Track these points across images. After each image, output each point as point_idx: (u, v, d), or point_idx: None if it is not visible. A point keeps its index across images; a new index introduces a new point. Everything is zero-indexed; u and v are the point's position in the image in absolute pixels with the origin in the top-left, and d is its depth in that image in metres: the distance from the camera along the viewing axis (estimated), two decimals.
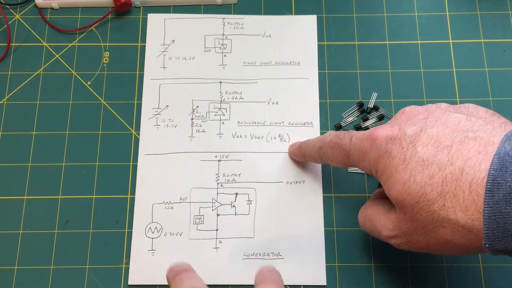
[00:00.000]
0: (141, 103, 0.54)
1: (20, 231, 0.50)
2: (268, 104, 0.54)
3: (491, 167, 0.33)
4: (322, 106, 0.54)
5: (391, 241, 0.41)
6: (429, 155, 0.36)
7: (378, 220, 0.42)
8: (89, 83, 0.55)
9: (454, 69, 0.55)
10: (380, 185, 0.45)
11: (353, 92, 0.55)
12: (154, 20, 0.57)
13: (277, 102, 0.54)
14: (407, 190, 0.37)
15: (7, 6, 0.58)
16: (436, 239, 0.37)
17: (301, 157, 0.51)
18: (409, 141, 0.38)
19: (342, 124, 0.54)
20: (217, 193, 0.51)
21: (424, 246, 0.39)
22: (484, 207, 0.33)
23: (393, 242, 0.41)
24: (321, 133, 0.53)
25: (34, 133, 0.53)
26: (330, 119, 0.54)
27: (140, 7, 0.58)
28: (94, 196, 0.51)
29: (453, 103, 0.53)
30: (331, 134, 0.45)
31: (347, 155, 0.43)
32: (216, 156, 0.53)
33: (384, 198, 0.43)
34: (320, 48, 0.57)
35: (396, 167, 0.38)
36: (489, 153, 0.34)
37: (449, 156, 0.36)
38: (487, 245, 0.34)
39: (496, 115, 0.39)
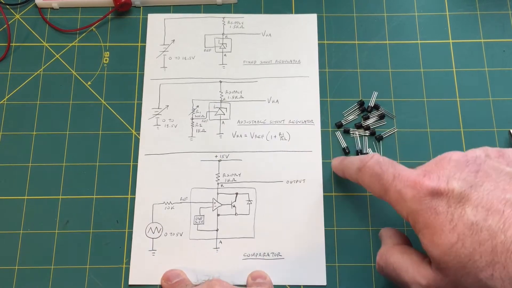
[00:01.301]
0: (141, 103, 0.54)
1: (21, 231, 0.50)
2: (269, 102, 0.54)
3: None
4: (322, 104, 0.54)
5: None
6: (479, 218, 0.35)
7: (406, 272, 0.40)
8: (89, 83, 0.55)
9: (454, 69, 0.55)
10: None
11: (353, 91, 0.55)
12: (154, 20, 0.57)
13: (277, 101, 0.54)
14: (455, 254, 0.35)
15: (7, 6, 0.58)
16: None
17: (341, 173, 0.49)
18: (457, 200, 0.36)
19: (343, 122, 0.54)
20: (217, 193, 0.51)
21: None
22: None
23: None
24: (322, 132, 0.53)
25: (34, 133, 0.53)
26: (330, 117, 0.54)
27: (140, 7, 0.58)
28: (94, 196, 0.51)
29: (453, 103, 0.54)
30: (375, 157, 0.43)
31: (385, 192, 0.41)
32: (216, 156, 0.53)
33: (406, 245, 0.42)
34: (321, 47, 0.57)
35: (442, 226, 0.36)
36: None
37: (501, 223, 0.34)
38: None
39: None
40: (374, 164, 0.42)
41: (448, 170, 0.38)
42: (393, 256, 0.42)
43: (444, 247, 0.36)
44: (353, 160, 0.46)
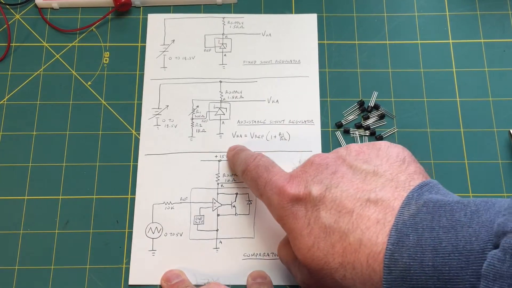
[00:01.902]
0: (141, 103, 0.54)
1: (21, 231, 0.50)
2: (269, 102, 0.54)
3: (389, 241, 0.32)
4: (322, 104, 0.54)
5: None
6: (331, 221, 0.36)
7: (292, 266, 0.43)
8: (89, 83, 0.55)
9: (454, 69, 0.55)
10: None
11: (353, 91, 0.55)
12: (154, 20, 0.57)
13: (277, 101, 0.54)
14: (312, 256, 0.37)
15: (7, 6, 0.58)
16: None
17: (232, 167, 0.51)
18: (314, 204, 0.37)
19: (343, 122, 0.54)
20: (217, 193, 0.51)
21: None
22: (383, 284, 0.32)
23: None
24: (322, 132, 0.53)
25: (34, 133, 0.53)
26: (330, 117, 0.54)
27: (140, 7, 0.58)
28: (94, 196, 0.51)
29: (453, 103, 0.54)
30: (255, 161, 0.45)
31: (260, 197, 0.43)
32: (216, 156, 0.53)
33: None
34: (321, 47, 0.57)
35: (301, 231, 0.38)
36: (387, 223, 0.33)
37: (350, 224, 0.35)
38: None
39: (405, 163, 0.38)
40: (252, 168, 0.44)
41: (309, 174, 0.39)
42: (284, 250, 0.44)
43: (303, 251, 0.37)
44: (241, 160, 0.47)
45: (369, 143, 0.40)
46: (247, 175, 0.45)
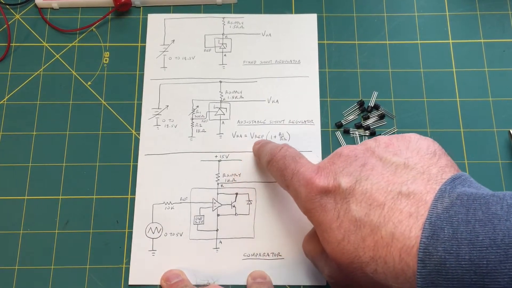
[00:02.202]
0: (141, 103, 0.54)
1: (21, 231, 0.50)
2: (268, 102, 0.54)
3: (423, 234, 0.32)
4: (322, 104, 0.54)
5: (330, 285, 0.41)
6: (362, 214, 0.35)
7: (318, 261, 0.42)
8: (89, 83, 0.55)
9: (454, 69, 0.55)
10: None
11: (353, 91, 0.55)
12: (154, 20, 0.57)
13: (277, 101, 0.54)
14: (342, 250, 0.36)
15: (7, 6, 0.58)
16: None
17: (258, 160, 0.51)
18: (343, 196, 0.37)
19: (343, 122, 0.54)
20: (217, 193, 0.51)
21: None
22: (417, 278, 0.32)
23: (332, 287, 0.41)
24: (322, 132, 0.53)
25: (34, 133, 0.53)
26: (330, 117, 0.54)
27: (140, 7, 0.58)
28: (94, 196, 0.51)
29: (453, 103, 0.54)
30: (282, 151, 0.44)
31: (287, 188, 0.43)
32: (216, 156, 0.53)
33: None
34: (320, 47, 0.57)
35: (330, 224, 0.37)
36: (420, 216, 0.33)
37: (381, 218, 0.34)
38: None
39: (436, 156, 0.37)
40: (279, 159, 0.44)
41: (337, 165, 0.39)
42: (311, 244, 0.43)
43: (333, 245, 0.37)
44: (266, 151, 0.47)
45: (398, 135, 0.40)
46: (273, 166, 0.45)
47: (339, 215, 0.37)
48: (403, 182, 0.35)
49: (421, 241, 0.32)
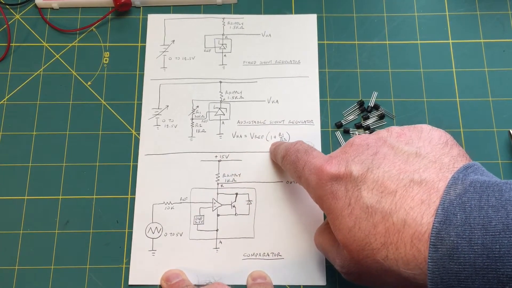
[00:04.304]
0: (141, 103, 0.54)
1: (21, 231, 0.50)
2: (268, 103, 0.55)
3: (435, 219, 0.32)
4: (322, 104, 0.54)
5: (342, 275, 0.41)
6: (373, 201, 0.36)
7: (330, 252, 0.42)
8: (89, 83, 0.55)
9: (454, 69, 0.55)
10: None
11: (353, 91, 0.55)
12: (154, 20, 0.57)
13: (277, 101, 0.55)
14: (353, 237, 0.36)
15: (7, 6, 0.58)
16: (383, 283, 0.37)
17: (274, 159, 0.51)
18: (355, 184, 0.37)
19: (343, 122, 0.54)
20: (217, 193, 0.51)
21: (374, 286, 0.39)
22: (428, 262, 0.32)
23: (344, 276, 0.41)
24: (322, 132, 0.53)
25: (34, 133, 0.53)
26: (330, 117, 0.54)
27: (140, 7, 0.58)
28: (94, 196, 0.51)
29: (453, 103, 0.54)
30: (296, 146, 0.45)
31: (299, 179, 0.43)
32: (216, 156, 0.53)
33: None
34: (320, 47, 0.57)
35: (341, 211, 0.37)
36: (432, 203, 0.33)
37: (393, 205, 0.35)
38: None
39: (448, 146, 0.37)
40: (292, 153, 0.44)
41: (349, 154, 0.39)
42: (322, 236, 0.44)
43: (344, 232, 0.37)
44: (282, 148, 0.48)
45: (410, 126, 0.40)
46: (286, 160, 0.45)
47: (350, 202, 0.37)
48: (415, 170, 0.35)
49: (433, 225, 0.32)
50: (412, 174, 0.35)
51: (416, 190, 0.34)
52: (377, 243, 0.35)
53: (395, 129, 0.40)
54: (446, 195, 0.33)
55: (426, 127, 0.39)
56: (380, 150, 0.38)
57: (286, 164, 0.46)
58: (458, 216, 0.32)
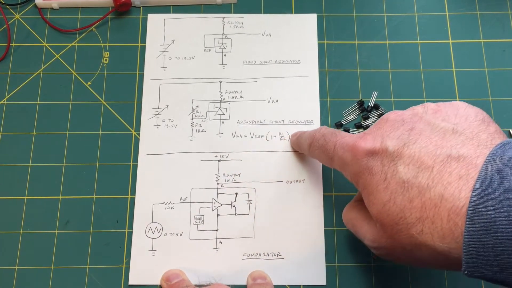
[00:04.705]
0: (141, 103, 0.54)
1: (21, 231, 0.50)
2: (268, 102, 0.55)
3: (473, 193, 0.32)
4: (322, 104, 0.54)
5: (372, 250, 0.41)
6: (409, 176, 0.36)
7: (360, 227, 0.42)
8: (89, 83, 0.55)
9: (453, 69, 0.55)
10: None
11: (353, 91, 0.55)
12: (154, 20, 0.57)
13: (277, 101, 0.55)
14: (387, 211, 0.36)
15: (7, 6, 0.58)
16: (415, 259, 0.37)
17: (298, 149, 0.52)
18: (391, 159, 0.37)
19: (343, 122, 0.54)
20: (217, 193, 0.51)
21: (404, 262, 0.39)
22: (465, 235, 0.32)
23: (374, 252, 0.41)
24: None
25: (34, 133, 0.53)
26: (330, 117, 0.54)
27: (140, 7, 0.58)
28: (94, 196, 0.51)
29: None
30: (321, 131, 0.45)
31: (331, 160, 0.43)
32: (216, 156, 0.53)
33: None
34: (320, 47, 0.57)
35: (377, 186, 0.37)
36: (470, 178, 0.33)
37: (430, 180, 0.35)
38: (466, 272, 0.33)
39: (485, 123, 0.37)
40: (319, 137, 0.44)
41: (384, 130, 0.39)
42: (352, 212, 0.44)
43: (379, 206, 0.37)
44: (305, 137, 0.48)
45: (446, 103, 0.40)
46: (314, 145, 0.45)
47: (386, 177, 0.37)
48: (452, 146, 0.35)
49: (471, 199, 0.32)
50: (450, 149, 0.35)
51: (454, 166, 0.34)
52: (412, 218, 0.35)
53: (430, 105, 0.40)
54: (484, 170, 0.33)
55: (462, 104, 0.39)
56: (416, 126, 0.38)
57: (314, 149, 0.46)
58: (497, 191, 0.31)
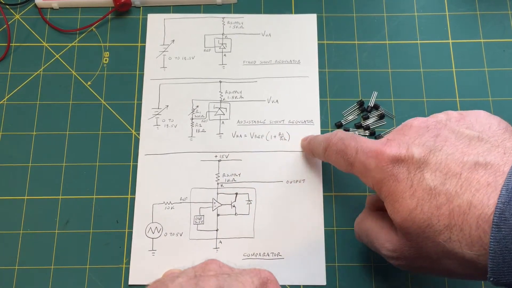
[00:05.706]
0: (141, 103, 0.54)
1: (21, 231, 0.50)
2: (268, 102, 0.55)
3: (499, 200, 0.32)
4: (322, 104, 0.54)
5: (390, 261, 0.41)
6: (437, 183, 0.35)
7: (377, 238, 0.41)
8: (89, 83, 0.55)
9: (453, 69, 0.55)
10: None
11: (353, 91, 0.55)
12: (154, 20, 0.57)
13: (277, 101, 0.55)
14: (414, 219, 0.36)
15: (7, 6, 0.58)
16: (440, 267, 0.37)
17: (310, 154, 0.51)
18: (417, 166, 0.37)
19: (343, 122, 0.54)
20: (217, 193, 0.51)
21: (426, 272, 0.39)
22: (490, 241, 0.32)
23: (393, 262, 0.40)
24: (322, 132, 0.53)
25: (34, 133, 0.53)
26: (330, 117, 0.54)
27: (140, 7, 0.58)
28: (94, 196, 0.51)
29: (453, 103, 0.54)
30: (338, 135, 0.44)
31: (351, 166, 0.42)
32: (216, 156, 0.53)
33: (382, 211, 0.42)
34: (320, 47, 0.57)
35: (402, 193, 0.37)
36: (498, 186, 0.33)
37: (458, 187, 0.34)
38: (491, 279, 0.32)
39: (508, 131, 0.37)
40: (337, 141, 0.43)
41: (409, 136, 0.39)
42: (367, 222, 0.43)
43: (404, 213, 0.37)
44: (320, 140, 0.47)
45: (468, 111, 0.40)
46: (331, 150, 0.44)
47: (413, 184, 0.36)
48: (479, 153, 0.35)
49: (496, 206, 0.32)
50: (477, 156, 0.35)
51: (481, 173, 0.34)
52: (439, 225, 0.35)
53: (453, 113, 0.40)
54: (510, 177, 0.33)
55: (484, 113, 0.39)
56: (441, 133, 0.38)
57: (331, 154, 0.44)
58: None
